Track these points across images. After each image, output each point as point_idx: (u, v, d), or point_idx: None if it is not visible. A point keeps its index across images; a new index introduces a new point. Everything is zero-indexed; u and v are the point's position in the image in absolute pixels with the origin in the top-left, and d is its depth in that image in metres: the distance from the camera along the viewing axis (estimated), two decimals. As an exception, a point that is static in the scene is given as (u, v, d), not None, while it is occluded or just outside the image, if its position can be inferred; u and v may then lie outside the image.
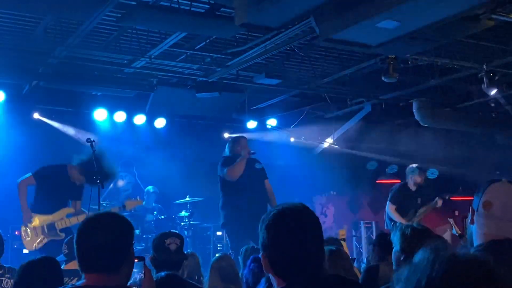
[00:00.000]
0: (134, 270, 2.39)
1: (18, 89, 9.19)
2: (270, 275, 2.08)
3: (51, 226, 6.71)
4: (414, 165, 8.59)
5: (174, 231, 4.33)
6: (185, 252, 4.08)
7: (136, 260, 2.43)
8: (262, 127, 10.92)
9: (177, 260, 3.91)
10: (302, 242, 2.00)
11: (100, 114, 9.66)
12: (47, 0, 6.18)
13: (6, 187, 7.62)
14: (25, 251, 7.89)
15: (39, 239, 6.70)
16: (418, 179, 8.44)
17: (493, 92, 8.72)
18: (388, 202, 8.41)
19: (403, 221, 7.97)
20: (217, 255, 5.12)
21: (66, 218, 6.78)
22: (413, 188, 8.46)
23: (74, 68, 8.44)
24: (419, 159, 9.63)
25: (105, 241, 2.19)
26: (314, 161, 11.34)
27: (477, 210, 2.20)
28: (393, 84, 8.64)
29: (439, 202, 8.42)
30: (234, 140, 7.64)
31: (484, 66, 8.30)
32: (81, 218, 6.64)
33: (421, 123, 9.90)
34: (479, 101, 10.06)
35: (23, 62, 8.16)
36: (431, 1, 5.03)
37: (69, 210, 6.90)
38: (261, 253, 2.08)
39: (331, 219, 12.48)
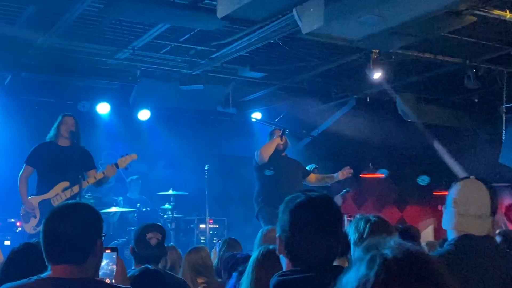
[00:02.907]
0: (106, 261, 2.36)
1: (0, 79, 9.11)
2: (281, 256, 2.11)
3: (46, 204, 6.41)
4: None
5: (157, 223, 4.27)
6: (166, 246, 4.06)
7: (108, 251, 2.41)
8: (246, 120, 10.90)
9: (157, 255, 3.89)
10: (321, 233, 2.02)
11: (83, 106, 9.59)
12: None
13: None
14: (7, 242, 7.80)
15: (37, 221, 6.43)
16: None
17: (475, 87, 8.77)
18: None
19: None
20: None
21: (62, 192, 6.49)
22: None
23: (57, 59, 8.36)
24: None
25: (72, 231, 2.16)
26: (299, 154, 11.34)
27: (446, 207, 2.23)
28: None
29: None
30: (270, 134, 7.98)
31: (468, 62, 8.35)
32: (76, 188, 6.42)
33: (405, 118, 9.94)
34: (462, 96, 10.12)
35: (5, 52, 8.07)
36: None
37: (65, 184, 6.56)
38: (277, 234, 2.10)
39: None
